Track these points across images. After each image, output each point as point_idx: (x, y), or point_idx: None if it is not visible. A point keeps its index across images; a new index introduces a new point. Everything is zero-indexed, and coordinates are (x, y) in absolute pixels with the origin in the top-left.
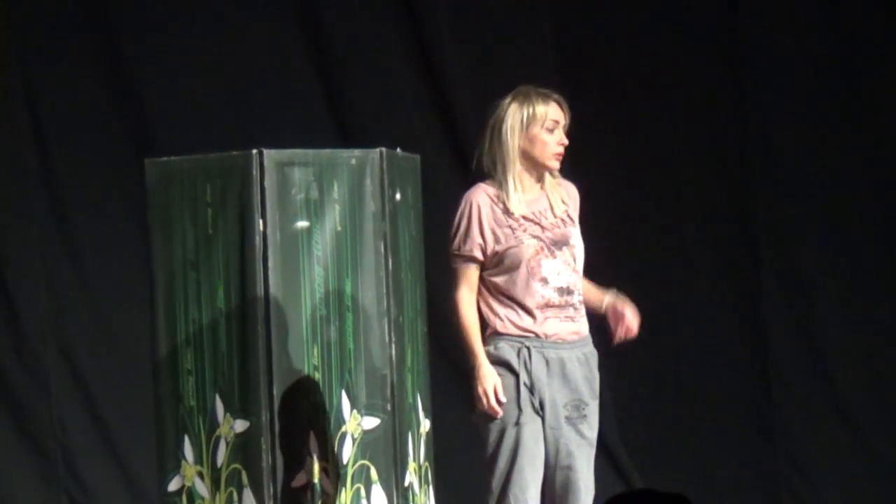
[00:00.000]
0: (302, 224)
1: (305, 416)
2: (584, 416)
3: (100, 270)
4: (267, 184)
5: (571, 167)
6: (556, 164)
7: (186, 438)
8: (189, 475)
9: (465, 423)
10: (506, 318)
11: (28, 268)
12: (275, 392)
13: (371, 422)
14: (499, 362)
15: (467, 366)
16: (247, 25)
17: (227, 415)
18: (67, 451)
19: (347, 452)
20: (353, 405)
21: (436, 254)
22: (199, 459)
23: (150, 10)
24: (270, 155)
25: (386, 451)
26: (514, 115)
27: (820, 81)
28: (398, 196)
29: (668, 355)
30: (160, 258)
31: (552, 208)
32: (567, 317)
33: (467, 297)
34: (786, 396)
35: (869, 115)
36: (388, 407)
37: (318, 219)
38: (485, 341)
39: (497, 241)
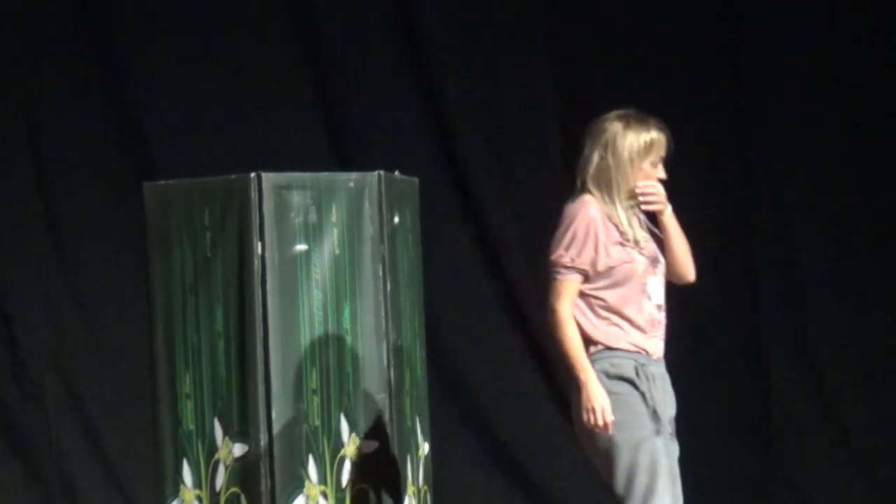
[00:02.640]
0: (300, 247)
1: (304, 440)
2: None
3: (99, 294)
4: (265, 207)
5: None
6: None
7: (185, 462)
8: (188, 499)
9: (466, 446)
10: (615, 333)
11: (27, 292)
12: (274, 416)
13: (370, 445)
14: (620, 377)
15: (566, 380)
16: (246, 50)
17: (226, 438)
18: (65, 475)
19: (346, 476)
20: (352, 428)
21: (436, 277)
22: (197, 483)
23: (150, 36)
24: (269, 178)
25: (385, 474)
26: (633, 143)
27: (822, 110)
28: (396, 219)
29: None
30: (159, 282)
31: (641, 226)
32: (663, 334)
33: (571, 310)
34: (786, 420)
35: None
36: (387, 430)
37: (317, 242)
38: (590, 356)
39: (608, 255)
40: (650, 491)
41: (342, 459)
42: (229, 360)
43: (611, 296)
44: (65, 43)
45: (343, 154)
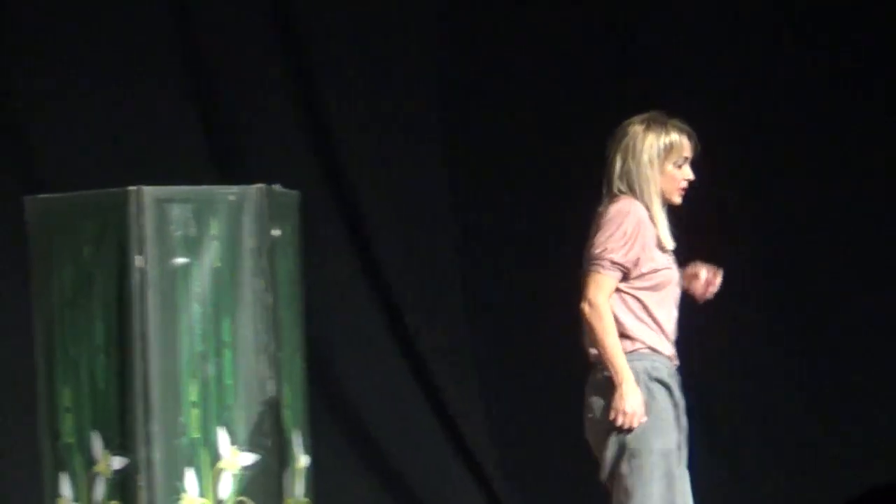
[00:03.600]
0: (180, 261)
1: (184, 453)
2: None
3: None
4: (145, 221)
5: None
6: (679, 200)
7: (65, 476)
8: None
9: (345, 459)
10: (654, 336)
11: None
12: (153, 429)
13: (249, 458)
14: (659, 381)
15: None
16: (127, 63)
17: (106, 451)
18: None
19: (226, 489)
20: (232, 441)
21: (317, 290)
22: (77, 496)
23: (29, 50)
24: (149, 192)
25: (264, 486)
26: (651, 146)
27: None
28: (277, 232)
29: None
30: (40, 295)
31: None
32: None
33: (610, 307)
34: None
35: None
36: (266, 443)
37: (197, 255)
38: (628, 354)
39: (653, 258)
40: (666, 501)
41: (221, 472)
42: (109, 374)
43: (649, 298)
44: None
45: (224, 167)
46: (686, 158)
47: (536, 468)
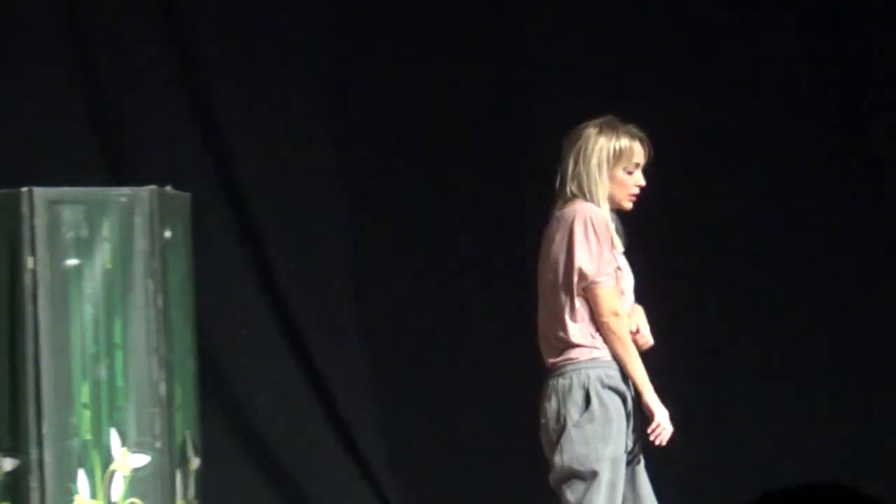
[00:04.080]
0: (72, 262)
1: (75, 454)
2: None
3: None
4: (37, 222)
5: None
6: (629, 206)
7: None
8: None
9: (236, 460)
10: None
11: None
12: (45, 430)
13: (141, 459)
14: (613, 389)
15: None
16: (17, 63)
17: None
18: None
19: (117, 490)
20: (123, 442)
21: (208, 291)
22: None
23: None
24: (40, 193)
25: (156, 488)
26: (601, 149)
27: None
28: (168, 234)
29: (446, 376)
30: None
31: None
32: None
33: (622, 315)
34: None
35: None
36: (158, 444)
37: (89, 257)
38: (582, 362)
39: (614, 258)
40: None
41: (113, 474)
42: (0, 375)
43: None
44: None
45: (115, 169)
46: (637, 164)
47: (426, 469)
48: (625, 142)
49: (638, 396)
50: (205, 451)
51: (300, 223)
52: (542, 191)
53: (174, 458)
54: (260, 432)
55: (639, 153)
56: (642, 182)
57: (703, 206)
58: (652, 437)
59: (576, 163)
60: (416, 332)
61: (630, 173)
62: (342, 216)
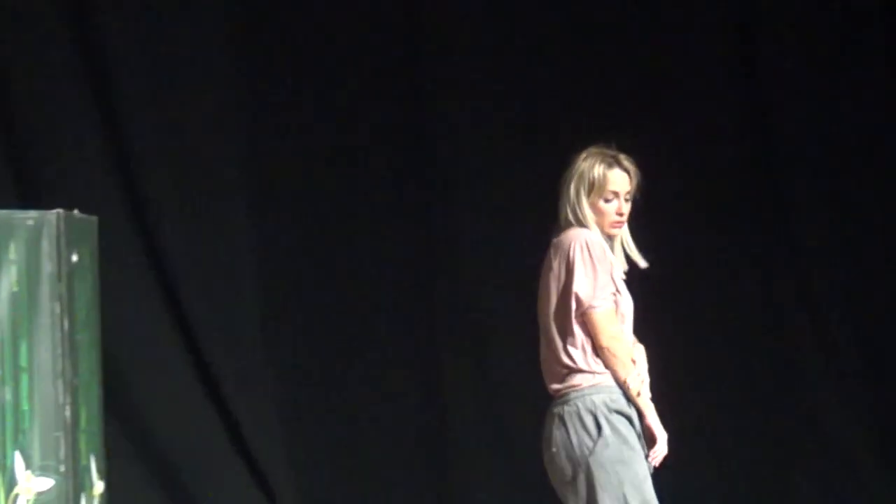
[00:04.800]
0: None
1: None
2: None
3: None
4: None
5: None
6: (614, 233)
7: None
8: None
9: (141, 483)
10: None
11: None
12: None
13: (45, 483)
14: (620, 412)
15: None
16: None
17: None
18: None
19: None
20: (28, 466)
21: (115, 315)
22: None
23: None
24: None
25: None
26: (580, 177)
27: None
28: (75, 257)
29: (341, 388)
30: None
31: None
32: None
33: (619, 338)
34: (461, 436)
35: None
36: (62, 468)
37: None
38: (584, 388)
39: (613, 280)
40: None
41: (17, 497)
42: None
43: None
44: None
45: (23, 191)
46: (615, 193)
47: (329, 487)
48: (598, 171)
49: (640, 418)
50: (109, 475)
51: (206, 243)
52: (448, 205)
53: (79, 482)
54: (163, 456)
55: (615, 182)
56: (623, 210)
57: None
58: (649, 459)
59: (566, 191)
60: (322, 351)
61: (608, 201)
62: (246, 235)
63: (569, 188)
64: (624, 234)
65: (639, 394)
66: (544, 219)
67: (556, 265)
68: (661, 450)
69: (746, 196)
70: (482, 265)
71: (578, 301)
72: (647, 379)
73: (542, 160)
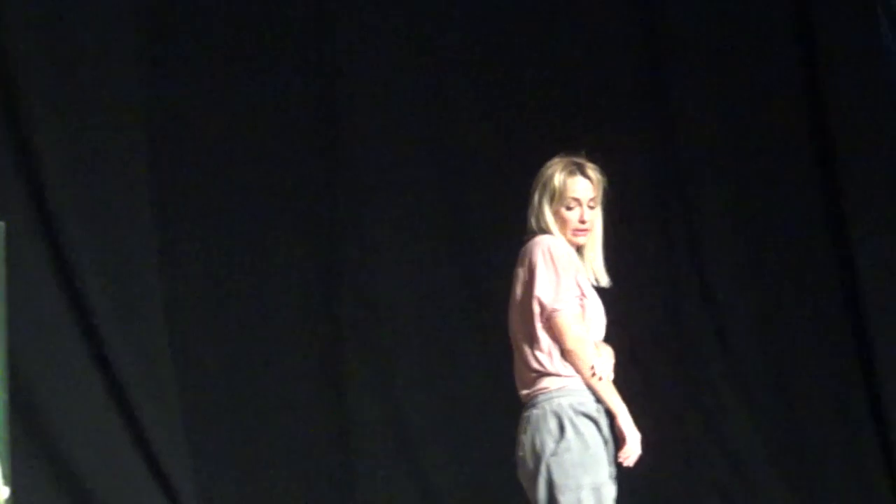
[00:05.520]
0: None
1: None
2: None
3: None
4: None
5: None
6: (578, 241)
7: None
8: None
9: (46, 490)
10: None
11: None
12: None
13: None
14: (586, 416)
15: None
16: None
17: None
18: None
19: None
20: None
21: (21, 322)
22: None
23: None
24: None
25: None
26: (543, 185)
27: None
28: None
29: (246, 392)
30: None
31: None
32: None
33: (584, 338)
34: (363, 444)
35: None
36: None
37: None
38: (552, 391)
39: (578, 284)
40: None
41: None
42: None
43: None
44: None
45: None
46: (576, 200)
47: (231, 491)
48: (559, 179)
49: (611, 420)
50: (14, 481)
51: (112, 248)
52: (354, 209)
53: None
54: (69, 461)
55: (575, 189)
56: (585, 218)
57: None
58: (620, 459)
59: (531, 199)
60: (223, 352)
61: (570, 209)
62: (151, 240)
63: (533, 196)
64: (591, 245)
65: (601, 379)
66: (450, 227)
67: (521, 272)
68: (633, 450)
69: (651, 203)
70: (388, 273)
71: (541, 305)
72: (610, 377)
73: (450, 169)
